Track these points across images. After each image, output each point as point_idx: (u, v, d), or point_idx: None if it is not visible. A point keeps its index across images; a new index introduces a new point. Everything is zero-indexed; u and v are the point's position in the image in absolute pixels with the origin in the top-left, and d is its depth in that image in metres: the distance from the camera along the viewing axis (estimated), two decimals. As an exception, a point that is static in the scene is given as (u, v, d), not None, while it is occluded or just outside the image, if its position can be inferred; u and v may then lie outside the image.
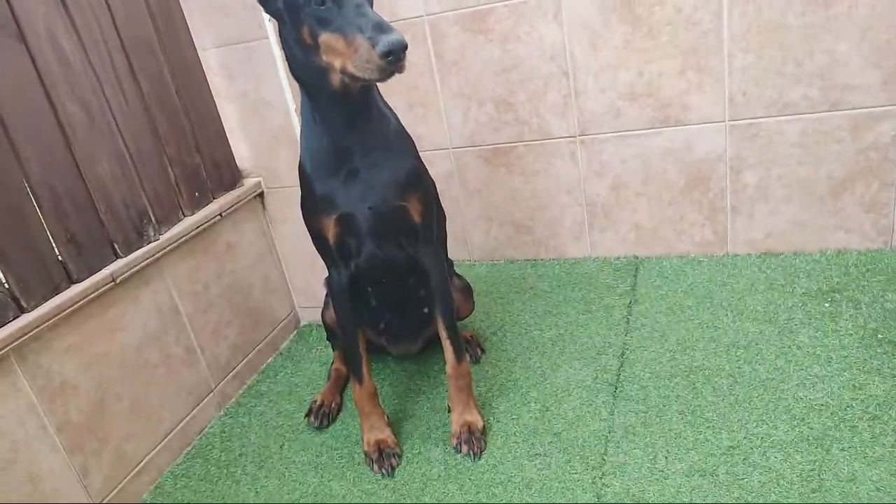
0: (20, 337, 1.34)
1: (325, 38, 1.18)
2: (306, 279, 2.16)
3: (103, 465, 1.53)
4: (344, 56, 1.16)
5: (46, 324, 1.40)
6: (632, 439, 1.41)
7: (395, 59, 1.10)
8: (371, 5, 1.20)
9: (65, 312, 1.44)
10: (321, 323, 1.85)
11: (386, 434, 1.57)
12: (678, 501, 1.25)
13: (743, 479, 1.26)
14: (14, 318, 1.36)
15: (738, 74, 1.81)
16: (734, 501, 1.22)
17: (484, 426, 1.54)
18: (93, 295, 1.50)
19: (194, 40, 1.87)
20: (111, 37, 1.61)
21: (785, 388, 1.45)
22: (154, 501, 1.61)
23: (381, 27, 1.11)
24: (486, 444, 1.51)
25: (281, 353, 2.11)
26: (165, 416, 1.71)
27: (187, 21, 1.85)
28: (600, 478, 1.34)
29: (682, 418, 1.43)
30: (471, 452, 1.49)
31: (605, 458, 1.39)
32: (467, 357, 1.62)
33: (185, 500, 1.58)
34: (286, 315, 2.20)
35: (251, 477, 1.60)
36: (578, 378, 1.64)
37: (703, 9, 1.77)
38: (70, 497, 1.44)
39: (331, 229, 1.42)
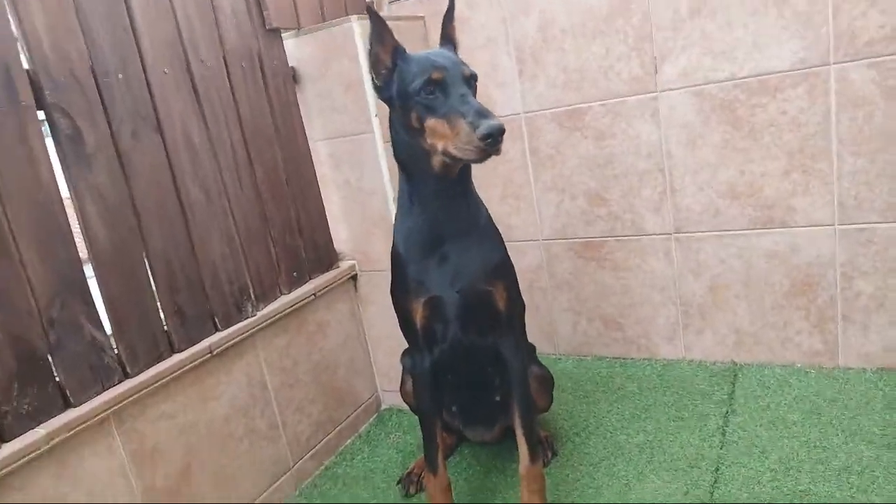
0: (121, 401, 1.42)
1: (430, 122, 1.28)
2: (391, 362, 2.18)
3: (181, 534, 1.56)
4: (447, 138, 1.25)
5: (146, 390, 1.48)
6: (725, 569, 1.28)
7: (493, 141, 1.19)
8: (474, 94, 1.30)
9: (164, 380, 1.52)
10: (402, 408, 1.84)
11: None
12: None
13: None
14: (118, 383, 1.46)
15: (849, 178, 1.72)
16: None
17: (559, 537, 1.45)
18: (190, 365, 1.59)
19: (307, 132, 2.03)
20: (235, 129, 1.77)
21: (909, 529, 1.28)
22: (224, 577, 1.61)
23: (482, 113, 1.21)
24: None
25: (360, 436, 2.11)
26: (244, 490, 1.73)
27: (303, 116, 2.02)
28: None
29: (785, 551, 1.29)
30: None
31: (694, 587, 1.26)
32: (545, 457, 1.55)
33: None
34: (368, 397, 2.22)
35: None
36: (667, 492, 1.53)
37: (809, 112, 1.72)
38: (147, 563, 1.48)
39: (419, 312, 1.44)
